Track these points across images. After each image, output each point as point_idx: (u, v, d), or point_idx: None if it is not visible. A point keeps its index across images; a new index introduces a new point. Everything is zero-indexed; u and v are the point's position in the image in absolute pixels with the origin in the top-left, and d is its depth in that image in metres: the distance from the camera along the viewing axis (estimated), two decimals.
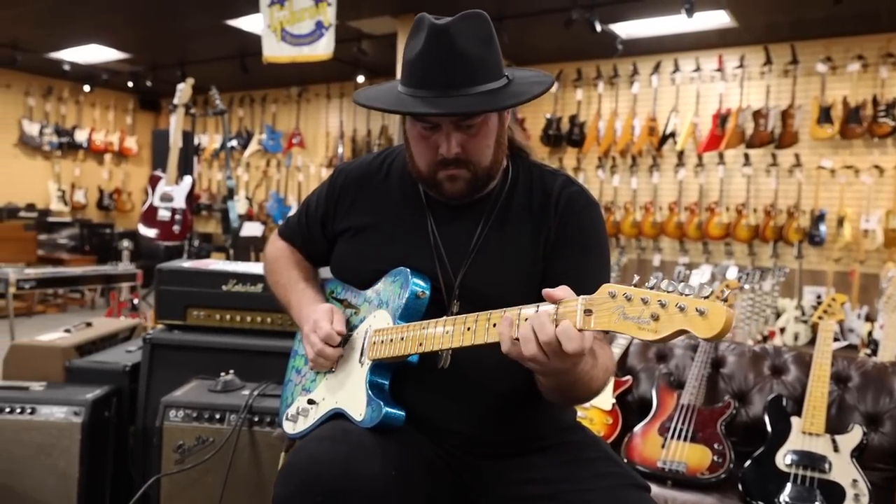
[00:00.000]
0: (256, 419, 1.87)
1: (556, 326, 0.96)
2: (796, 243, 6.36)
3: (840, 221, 6.21)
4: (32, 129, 9.52)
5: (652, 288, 0.90)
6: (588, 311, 0.95)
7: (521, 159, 1.38)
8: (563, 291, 1.00)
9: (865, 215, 6.13)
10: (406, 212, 1.35)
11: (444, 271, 1.28)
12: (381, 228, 1.36)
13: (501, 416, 1.28)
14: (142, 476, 2.27)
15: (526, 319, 1.01)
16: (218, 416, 1.88)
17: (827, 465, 1.85)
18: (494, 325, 1.05)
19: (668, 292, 0.88)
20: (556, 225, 1.29)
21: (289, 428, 1.38)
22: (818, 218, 6.27)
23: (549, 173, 1.36)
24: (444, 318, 1.14)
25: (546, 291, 1.00)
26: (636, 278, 0.93)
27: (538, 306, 1.01)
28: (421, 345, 1.15)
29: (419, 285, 1.24)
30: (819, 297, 6.43)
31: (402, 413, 1.21)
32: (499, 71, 1.22)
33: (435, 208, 1.33)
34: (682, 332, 0.86)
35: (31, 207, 9.19)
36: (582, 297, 0.96)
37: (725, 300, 0.85)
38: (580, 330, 0.95)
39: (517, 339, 1.00)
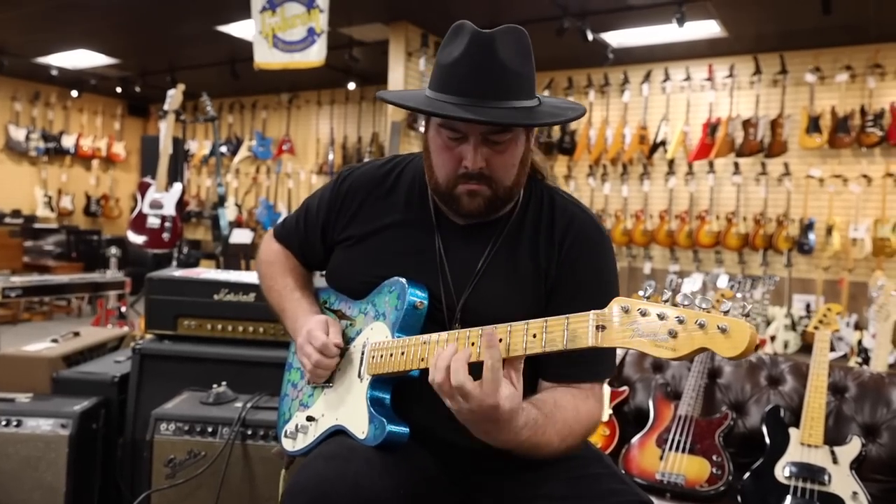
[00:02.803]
0: (250, 432, 1.83)
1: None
2: (785, 252, 6.40)
3: (829, 230, 6.25)
4: (19, 134, 9.43)
5: (666, 301, 0.86)
6: (601, 327, 0.92)
7: (535, 181, 1.34)
8: None
9: (854, 224, 6.18)
10: (412, 227, 1.31)
11: (447, 292, 1.24)
12: (384, 240, 1.32)
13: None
14: (131, 489, 2.22)
15: (534, 335, 0.98)
16: (210, 430, 1.84)
17: (826, 477, 1.84)
18: (500, 339, 1.02)
19: (684, 307, 0.85)
20: (561, 259, 1.24)
21: (288, 445, 1.34)
22: (807, 227, 6.32)
23: (561, 200, 1.31)
24: (447, 332, 1.12)
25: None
26: (650, 290, 0.90)
27: (545, 321, 0.99)
28: (423, 360, 1.12)
29: (417, 295, 1.21)
30: (808, 305, 6.46)
31: (406, 429, 1.17)
32: (533, 90, 1.20)
33: (443, 227, 1.30)
34: (702, 350, 0.83)
35: (16, 213, 9.09)
36: (593, 311, 0.94)
37: (747, 315, 0.82)
38: (593, 347, 0.92)
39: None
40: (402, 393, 1.23)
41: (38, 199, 9.66)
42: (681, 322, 0.84)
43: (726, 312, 0.82)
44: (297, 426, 1.33)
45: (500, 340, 1.01)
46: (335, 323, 1.31)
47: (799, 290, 6.47)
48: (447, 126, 1.18)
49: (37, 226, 8.81)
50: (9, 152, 9.46)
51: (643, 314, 0.88)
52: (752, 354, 0.83)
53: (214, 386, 2.01)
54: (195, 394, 2.04)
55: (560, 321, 0.97)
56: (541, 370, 1.23)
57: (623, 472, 2.02)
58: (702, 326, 0.82)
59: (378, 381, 1.21)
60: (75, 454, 2.06)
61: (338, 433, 1.24)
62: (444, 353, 1.03)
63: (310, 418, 1.30)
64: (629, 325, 0.89)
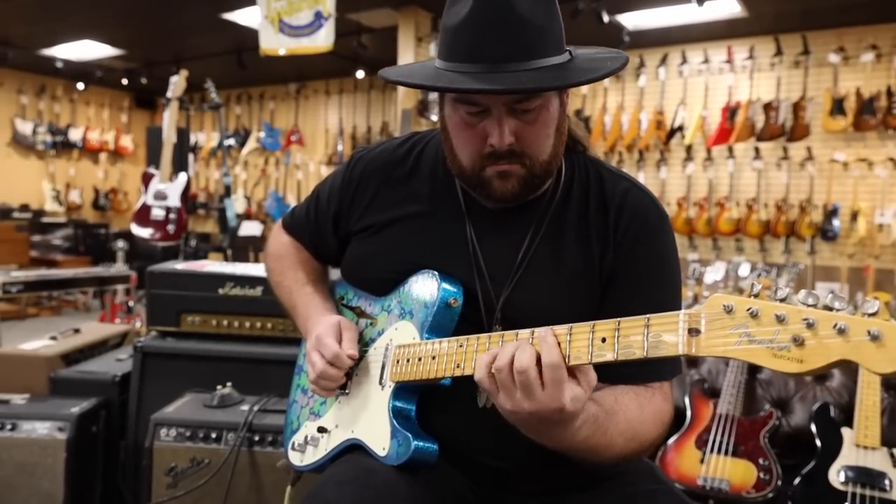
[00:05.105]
0: (257, 438, 1.69)
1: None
2: (809, 238, 6.21)
3: (854, 216, 6.06)
4: (25, 127, 9.33)
5: (783, 300, 0.68)
6: (694, 331, 0.74)
7: (576, 155, 1.16)
8: None
9: (880, 209, 5.99)
10: (438, 215, 1.14)
11: (484, 290, 1.07)
12: (408, 229, 1.15)
13: (550, 449, 1.09)
14: (133, 496, 2.10)
15: (603, 339, 0.82)
16: (214, 435, 1.70)
17: (887, 483, 1.68)
18: (559, 344, 0.85)
19: (809, 306, 0.66)
20: (617, 245, 1.07)
21: (296, 459, 1.19)
22: (831, 212, 6.12)
23: (609, 174, 1.14)
24: (488, 333, 0.95)
25: None
26: (757, 287, 0.70)
27: (618, 322, 0.81)
28: (459, 366, 0.95)
29: (450, 291, 1.04)
30: (832, 293, 6.27)
31: (435, 446, 1.01)
32: (561, 44, 1.01)
33: (474, 213, 1.12)
34: (841, 362, 0.65)
35: (24, 208, 9.01)
36: (684, 311, 0.76)
37: None
38: (685, 355, 0.75)
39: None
40: (427, 403, 1.07)
41: (46, 193, 9.57)
42: (810, 326, 0.66)
43: (873, 314, 0.63)
44: (306, 438, 1.18)
45: (559, 345, 0.85)
46: (351, 326, 1.14)
47: (822, 278, 6.28)
48: (464, 100, 1.00)
49: (45, 220, 8.74)
50: (16, 146, 9.36)
51: (753, 315, 0.69)
52: None
53: (219, 387, 1.87)
54: (198, 396, 1.90)
55: (637, 323, 0.80)
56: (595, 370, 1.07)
57: None
58: (842, 332, 0.64)
59: (402, 390, 1.05)
60: (74, 459, 1.95)
61: (353, 448, 1.09)
62: (511, 345, 0.88)
63: (321, 429, 1.15)
64: (734, 328, 0.70)
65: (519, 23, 0.94)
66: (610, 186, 1.11)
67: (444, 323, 1.05)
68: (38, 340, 2.46)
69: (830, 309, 0.66)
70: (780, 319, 0.68)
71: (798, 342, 0.67)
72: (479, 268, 1.09)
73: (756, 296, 0.71)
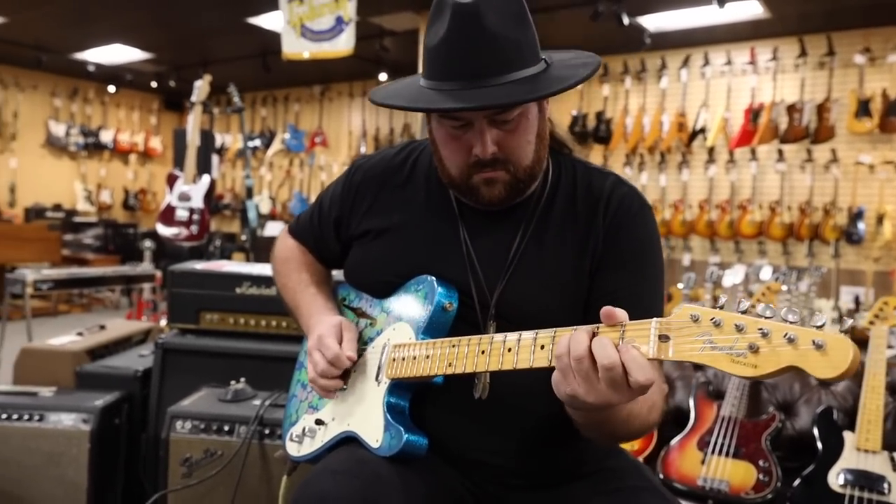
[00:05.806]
0: (267, 431, 1.76)
1: (620, 353, 0.82)
2: (833, 242, 6.13)
3: (879, 219, 5.97)
4: (59, 129, 9.59)
5: (744, 312, 0.75)
6: (664, 337, 0.80)
7: (562, 156, 1.23)
8: (624, 314, 0.85)
9: None
10: (433, 219, 1.20)
11: (478, 288, 1.13)
12: (405, 233, 1.22)
13: (539, 444, 1.13)
14: (154, 486, 2.18)
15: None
16: (227, 428, 1.77)
17: (886, 486, 1.70)
18: (542, 346, 0.90)
19: (766, 318, 0.73)
20: (604, 234, 1.13)
21: (293, 450, 1.26)
22: (856, 215, 6.04)
23: (596, 172, 1.20)
24: (479, 335, 1.01)
25: (606, 310, 0.84)
26: (722, 299, 0.78)
27: (597, 327, 0.87)
28: (450, 365, 1.01)
29: (446, 296, 1.11)
30: (857, 297, 6.19)
31: (425, 440, 1.07)
32: (535, 54, 1.07)
33: (467, 216, 1.18)
34: (790, 369, 0.71)
35: (57, 208, 9.26)
36: (655, 319, 0.82)
37: (848, 331, 0.70)
38: (655, 359, 0.80)
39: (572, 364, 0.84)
40: (422, 401, 1.13)
41: (78, 193, 9.83)
42: (765, 335, 0.72)
43: (820, 327, 0.70)
44: (304, 429, 1.24)
45: (542, 348, 0.91)
46: (351, 328, 1.20)
47: (847, 282, 6.20)
48: (447, 115, 1.07)
49: (76, 220, 8.97)
50: (49, 147, 9.63)
51: (717, 324, 0.76)
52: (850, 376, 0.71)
53: (233, 382, 1.95)
54: (213, 390, 1.98)
55: (614, 329, 0.85)
56: None
57: (661, 475, 1.90)
58: (791, 341, 0.70)
59: (397, 387, 1.11)
60: (97, 450, 2.03)
61: (347, 441, 1.15)
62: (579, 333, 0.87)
63: (318, 422, 1.21)
64: (699, 336, 0.77)
65: (491, 39, 1.00)
66: (597, 182, 1.18)
67: (439, 325, 1.11)
68: (66, 336, 2.56)
69: (785, 321, 0.72)
70: (739, 329, 0.74)
71: (753, 349, 0.73)
72: (473, 267, 1.14)
73: (721, 307, 0.78)
